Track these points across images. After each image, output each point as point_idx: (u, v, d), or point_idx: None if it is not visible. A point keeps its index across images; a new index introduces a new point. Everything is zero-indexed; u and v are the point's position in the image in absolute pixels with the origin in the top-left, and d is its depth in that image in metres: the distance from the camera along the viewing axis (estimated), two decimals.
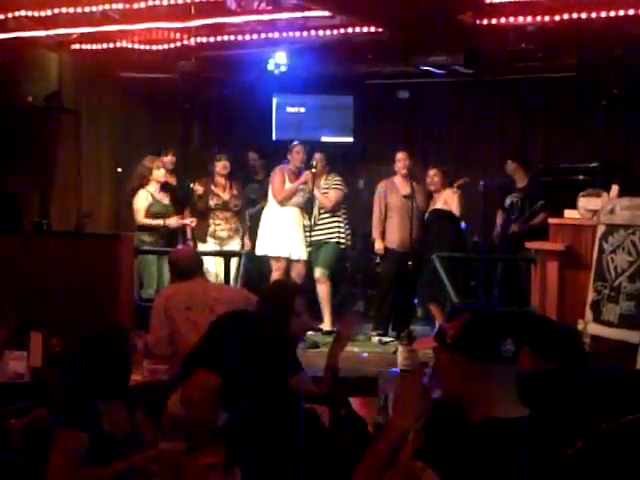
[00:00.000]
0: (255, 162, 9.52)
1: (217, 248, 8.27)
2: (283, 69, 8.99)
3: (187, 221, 8.39)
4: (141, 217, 8.12)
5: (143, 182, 8.16)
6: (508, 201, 8.38)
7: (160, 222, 8.13)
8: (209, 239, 8.37)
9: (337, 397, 3.45)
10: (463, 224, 8.40)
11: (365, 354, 7.42)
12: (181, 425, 3.36)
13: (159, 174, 8.18)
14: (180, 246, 8.01)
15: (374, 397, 3.39)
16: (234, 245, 8.40)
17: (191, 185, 8.49)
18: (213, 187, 8.43)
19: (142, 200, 8.13)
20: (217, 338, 3.61)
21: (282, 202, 8.20)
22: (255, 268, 8.53)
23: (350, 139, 10.17)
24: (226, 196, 8.44)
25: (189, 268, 5.17)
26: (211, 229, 8.40)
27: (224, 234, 8.41)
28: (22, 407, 3.42)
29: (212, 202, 8.39)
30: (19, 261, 6.85)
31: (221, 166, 8.45)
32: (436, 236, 8.04)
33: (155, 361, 4.62)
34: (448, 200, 8.06)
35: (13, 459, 3.09)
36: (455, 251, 8.01)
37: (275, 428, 2.09)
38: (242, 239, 8.54)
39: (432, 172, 8.19)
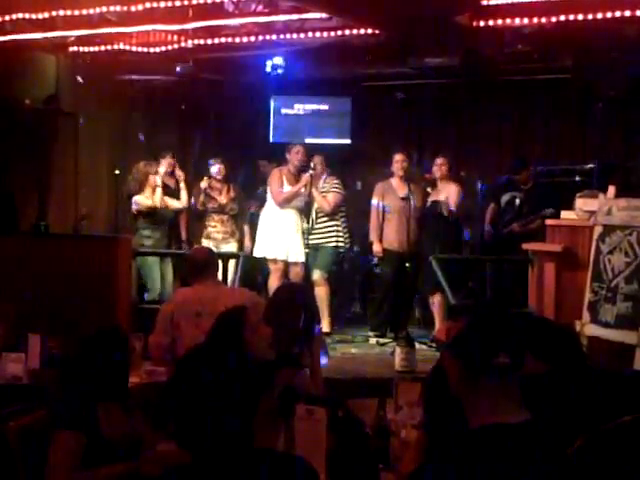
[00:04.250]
0: (265, 168, 9.45)
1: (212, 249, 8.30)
2: (280, 71, 9.00)
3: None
4: (144, 197, 8.07)
5: (136, 188, 8.15)
6: (506, 198, 8.30)
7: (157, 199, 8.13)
8: (204, 240, 8.44)
9: (335, 398, 3.45)
10: (467, 233, 8.35)
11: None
12: None
13: (155, 179, 8.18)
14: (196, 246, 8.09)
15: (372, 398, 3.40)
16: (229, 247, 8.45)
17: (201, 182, 8.53)
18: (210, 190, 8.49)
19: (143, 198, 8.15)
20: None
21: (282, 205, 8.21)
22: (253, 270, 8.54)
23: (348, 141, 10.18)
24: (223, 199, 8.50)
25: (202, 269, 5.09)
26: (206, 231, 8.50)
27: (219, 236, 8.48)
28: (20, 409, 3.42)
29: (209, 205, 8.46)
30: (17, 263, 6.85)
31: (215, 170, 8.53)
32: (433, 228, 8.00)
33: (153, 363, 4.62)
34: (450, 195, 7.99)
35: (12, 461, 3.10)
36: (451, 245, 7.99)
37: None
38: (239, 241, 8.59)
39: (440, 160, 8.06)
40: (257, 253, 8.31)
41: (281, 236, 8.18)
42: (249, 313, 3.67)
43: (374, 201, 8.27)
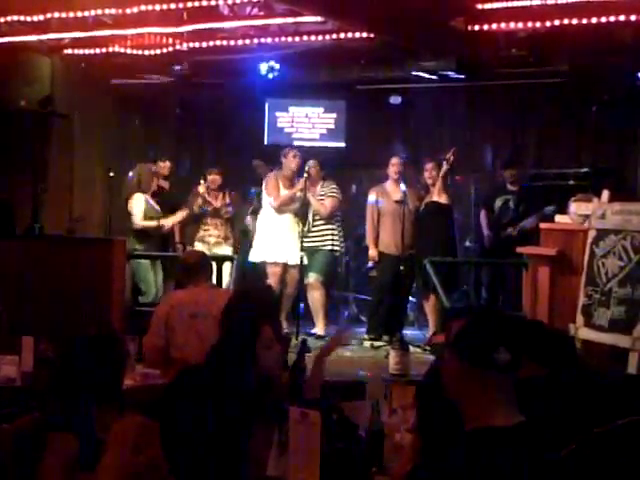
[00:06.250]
0: (261, 169, 9.42)
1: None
2: (275, 74, 9.00)
3: (180, 215, 8.34)
4: (139, 220, 8.03)
5: (142, 188, 8.13)
6: (499, 203, 8.32)
7: (155, 223, 8.09)
8: (197, 243, 8.44)
9: (329, 401, 3.45)
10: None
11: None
12: None
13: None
14: (189, 248, 8.08)
15: (366, 401, 3.40)
16: (222, 251, 8.45)
17: (199, 187, 8.52)
18: (206, 195, 8.51)
19: (139, 204, 8.08)
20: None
21: (278, 208, 8.23)
22: (249, 273, 8.54)
23: (342, 144, 10.18)
24: (217, 203, 8.53)
25: (196, 271, 5.08)
26: (200, 234, 8.50)
27: (212, 240, 8.49)
28: (14, 412, 3.41)
29: (206, 207, 8.49)
30: (11, 265, 6.83)
31: (210, 180, 8.54)
32: (429, 229, 8.00)
33: (148, 366, 4.61)
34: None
35: (4, 463, 3.09)
36: (446, 247, 7.98)
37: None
38: (234, 246, 8.60)
39: (429, 165, 8.11)
40: (256, 257, 8.32)
41: (279, 239, 8.20)
42: (265, 328, 3.59)
43: (369, 204, 8.27)
